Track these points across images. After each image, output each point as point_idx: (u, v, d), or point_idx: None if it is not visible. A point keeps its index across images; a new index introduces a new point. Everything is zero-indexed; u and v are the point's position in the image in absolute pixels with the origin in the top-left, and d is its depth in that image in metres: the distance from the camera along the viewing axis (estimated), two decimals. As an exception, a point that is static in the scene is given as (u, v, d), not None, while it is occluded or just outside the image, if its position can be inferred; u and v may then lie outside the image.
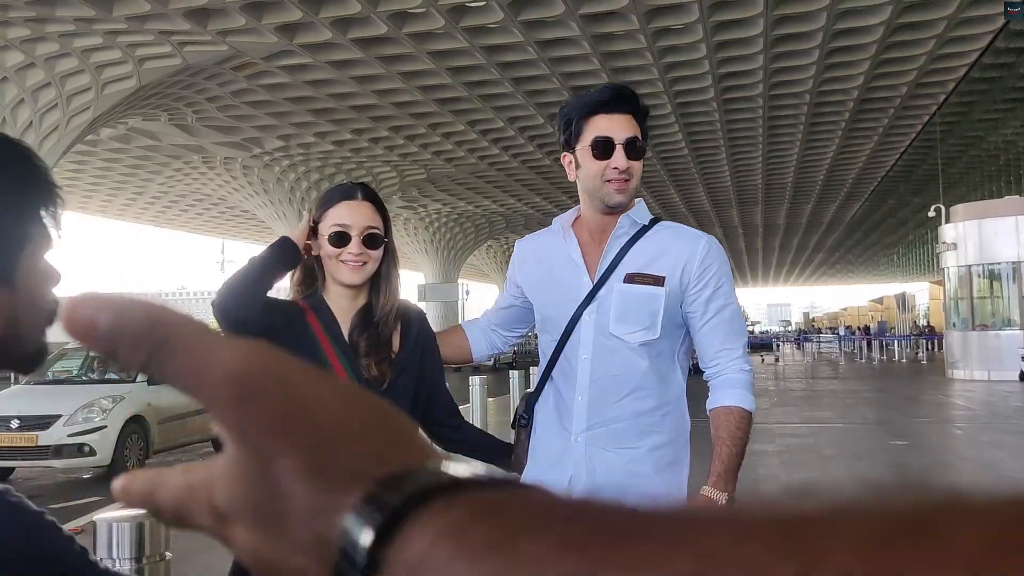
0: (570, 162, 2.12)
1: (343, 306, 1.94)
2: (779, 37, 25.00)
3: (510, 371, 12.93)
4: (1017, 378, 19.00)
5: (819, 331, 75.39)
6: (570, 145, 2.12)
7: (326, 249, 1.91)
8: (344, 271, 1.88)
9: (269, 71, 26.93)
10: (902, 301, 51.88)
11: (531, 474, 2.09)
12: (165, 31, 22.63)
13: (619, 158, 2.02)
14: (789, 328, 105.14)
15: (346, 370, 1.84)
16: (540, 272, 2.19)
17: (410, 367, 1.97)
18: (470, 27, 23.42)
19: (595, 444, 2.01)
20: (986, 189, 40.41)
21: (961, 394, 16.76)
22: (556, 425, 2.08)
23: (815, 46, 25.63)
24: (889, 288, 77.45)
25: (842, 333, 52.20)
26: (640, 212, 2.12)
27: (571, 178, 2.15)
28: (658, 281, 2.01)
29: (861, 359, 35.42)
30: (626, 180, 2.04)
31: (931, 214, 26.42)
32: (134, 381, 9.12)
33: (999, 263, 21.56)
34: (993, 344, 20.10)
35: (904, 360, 31.24)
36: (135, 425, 9.11)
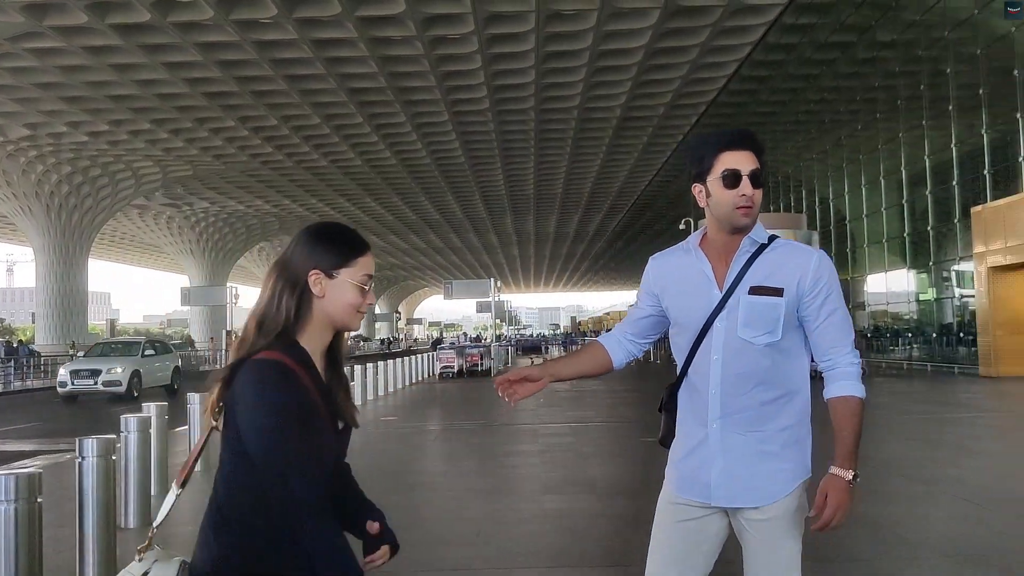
0: (700, 191, 2.43)
1: (318, 353, 1.90)
2: (549, 54, 26.07)
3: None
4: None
5: (584, 334, 79.13)
6: (702, 177, 2.41)
7: (352, 299, 1.88)
8: (358, 320, 1.92)
9: (14, 53, 24.71)
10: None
11: (678, 455, 2.46)
12: None
13: (746, 187, 2.34)
14: (558, 331, 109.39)
15: (333, 418, 1.87)
16: (678, 285, 2.49)
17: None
18: (241, 20, 22.56)
19: (728, 430, 2.36)
20: (732, 205, 43.98)
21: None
22: (694, 413, 2.44)
23: (582, 64, 26.94)
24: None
25: (603, 337, 54.99)
26: (759, 232, 2.41)
27: (701, 204, 2.44)
28: (778, 292, 2.33)
29: (622, 361, 37.55)
30: (750, 207, 2.35)
31: (681, 227, 28.52)
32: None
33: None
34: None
35: (659, 361, 33.45)
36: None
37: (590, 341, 2.81)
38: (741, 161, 2.35)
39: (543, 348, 47.79)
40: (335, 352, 1.94)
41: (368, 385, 17.66)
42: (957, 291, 24.38)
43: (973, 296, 22.02)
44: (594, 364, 2.66)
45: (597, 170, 43.34)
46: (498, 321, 40.13)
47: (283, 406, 1.73)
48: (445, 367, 26.49)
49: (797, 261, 2.36)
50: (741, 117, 35.87)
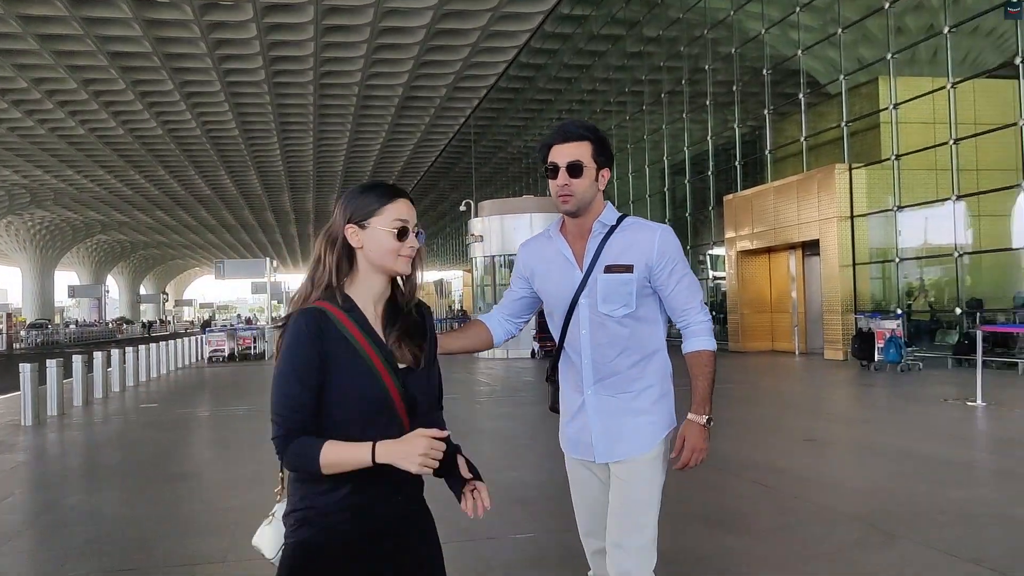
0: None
1: (371, 300, 2.06)
2: (329, 27, 25.42)
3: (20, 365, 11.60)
4: (529, 356, 21.63)
5: (366, 316, 78.02)
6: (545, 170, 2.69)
7: (388, 245, 2.02)
8: (402, 263, 2.04)
9: None
10: (440, 287, 55.70)
11: (565, 419, 2.77)
12: None
13: (563, 178, 2.61)
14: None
15: (381, 360, 1.97)
16: (545, 268, 2.76)
17: (431, 354, 2.13)
18: (-20, -31, 20.35)
19: (600, 394, 2.66)
20: (511, 189, 45.08)
21: (484, 372, 18.53)
22: (572, 382, 2.73)
23: (363, 40, 26.50)
24: (429, 275, 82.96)
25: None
26: (609, 215, 2.69)
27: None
28: (628, 269, 2.60)
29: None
30: (569, 195, 2.61)
31: (462, 208, 28.84)
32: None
33: (516, 254, 24.17)
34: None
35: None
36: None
37: (473, 320, 3.06)
38: (561, 154, 2.63)
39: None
40: (395, 300, 2.10)
41: (128, 371, 16.58)
42: (712, 273, 26.26)
43: (724, 278, 23.83)
44: (478, 340, 2.89)
45: (379, 148, 42.92)
46: (276, 303, 38.88)
47: (291, 354, 1.93)
48: (215, 351, 25.33)
49: (643, 238, 2.64)
50: (519, 103, 36.74)
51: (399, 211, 2.03)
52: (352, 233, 2.02)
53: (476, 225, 24.89)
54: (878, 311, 17.28)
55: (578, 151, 2.64)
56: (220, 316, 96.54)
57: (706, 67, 24.82)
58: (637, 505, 2.61)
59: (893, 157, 17.61)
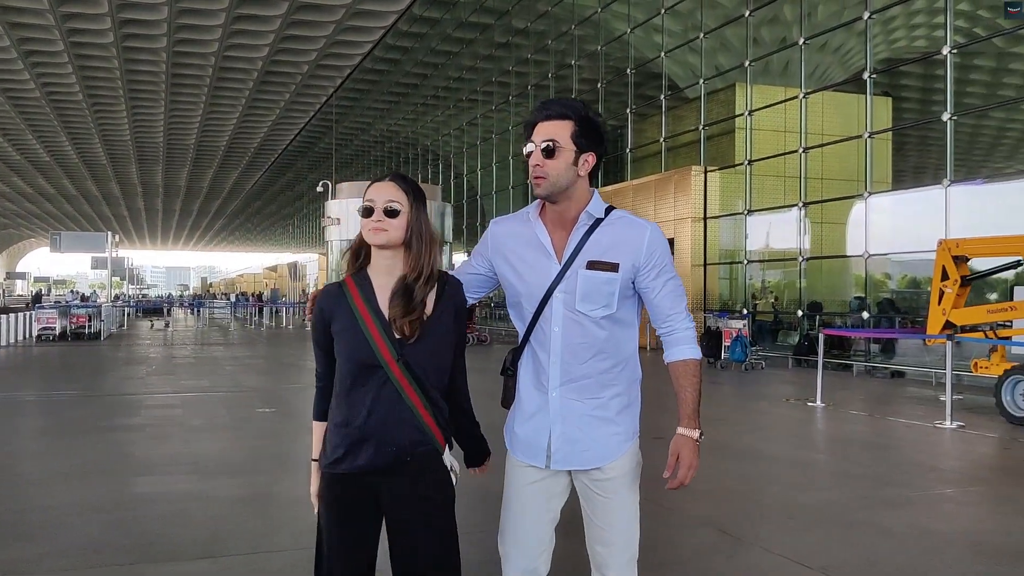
0: None
1: (383, 277, 2.36)
2: (185, -9, 24.13)
3: None
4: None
5: (215, 296, 75.48)
6: None
7: (361, 221, 2.35)
8: (371, 235, 2.32)
9: None
10: (294, 270, 54.28)
11: (517, 420, 2.54)
12: None
13: (536, 157, 2.42)
14: (187, 292, 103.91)
15: (378, 329, 2.28)
16: (517, 253, 2.52)
17: (439, 328, 2.34)
18: None
19: (567, 397, 2.46)
20: (373, 172, 44.33)
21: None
22: (535, 380, 2.51)
23: (222, 8, 25.26)
24: (284, 257, 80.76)
25: (233, 299, 52.90)
26: (596, 206, 2.50)
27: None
28: (614, 267, 2.40)
29: (251, 325, 36.17)
30: (542, 177, 2.42)
31: (319, 189, 28.05)
32: None
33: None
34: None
35: (291, 327, 32.78)
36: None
37: None
38: (539, 132, 2.44)
39: (166, 310, 44.70)
40: (404, 282, 2.33)
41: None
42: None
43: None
44: None
45: (236, 123, 41.23)
46: (119, 279, 36.80)
47: (316, 318, 2.39)
48: (44, 328, 23.62)
49: (632, 235, 2.45)
50: (384, 85, 36.06)
51: (368, 194, 2.36)
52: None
53: (333, 207, 24.29)
54: (725, 311, 17.87)
55: (556, 130, 2.43)
56: (56, 291, 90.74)
57: (572, 63, 25.02)
58: (622, 523, 2.50)
59: (746, 162, 18.23)
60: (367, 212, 2.33)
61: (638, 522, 2.53)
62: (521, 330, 2.54)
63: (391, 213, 2.31)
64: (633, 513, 2.52)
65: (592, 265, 2.42)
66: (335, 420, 2.34)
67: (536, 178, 2.41)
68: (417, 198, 2.39)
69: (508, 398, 2.60)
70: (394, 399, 2.28)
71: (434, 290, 2.35)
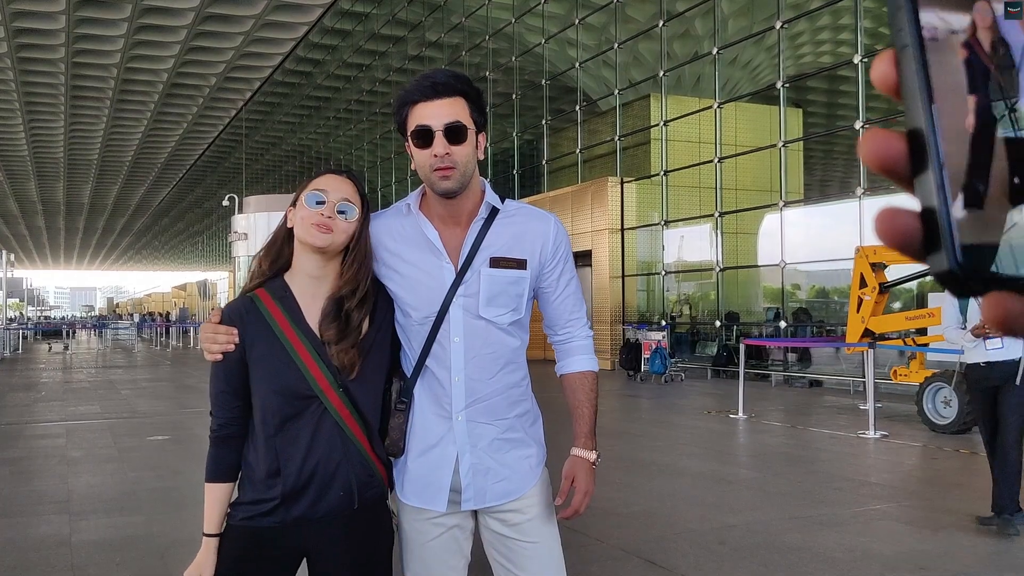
0: (409, 150, 2.03)
1: (307, 286, 1.96)
2: (85, 0, 23.06)
3: None
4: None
5: (120, 316, 72.94)
6: (404, 134, 2.04)
7: (303, 214, 1.92)
8: (312, 231, 1.90)
9: None
10: (203, 288, 52.58)
11: (412, 455, 2.06)
12: None
13: (439, 145, 1.95)
14: (92, 313, 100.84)
15: (310, 353, 1.90)
16: (400, 255, 2.06)
17: (379, 341, 2.01)
18: None
19: (474, 419, 2.05)
20: (284, 188, 43.25)
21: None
22: (434, 405, 2.06)
23: (123, 18, 24.24)
24: (193, 275, 78.44)
25: (138, 319, 51.15)
26: (492, 195, 2.10)
27: (413, 167, 2.07)
28: (521, 264, 2.05)
29: (157, 346, 34.72)
30: (450, 168, 1.95)
31: (225, 203, 27.13)
32: None
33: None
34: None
35: (199, 347, 31.54)
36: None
37: None
38: (434, 114, 1.96)
39: (66, 332, 42.75)
40: (338, 300, 1.95)
41: None
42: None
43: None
44: None
45: (141, 137, 39.80)
46: (18, 301, 35.00)
47: (228, 352, 1.92)
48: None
49: (536, 228, 2.09)
50: (295, 99, 35.25)
51: (320, 183, 1.97)
52: (290, 216, 1.99)
53: (239, 222, 23.45)
54: (644, 322, 17.70)
55: (455, 109, 1.97)
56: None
57: (486, 75, 24.72)
58: (554, 556, 2.10)
59: (662, 173, 18.14)
60: (317, 202, 1.92)
61: (563, 565, 2.10)
62: (414, 351, 2.06)
63: (343, 213, 1.94)
64: (559, 556, 2.12)
65: (497, 263, 2.03)
66: (257, 475, 1.92)
67: (444, 169, 1.94)
68: (365, 206, 2.03)
69: (397, 441, 2.06)
70: (335, 433, 1.91)
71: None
